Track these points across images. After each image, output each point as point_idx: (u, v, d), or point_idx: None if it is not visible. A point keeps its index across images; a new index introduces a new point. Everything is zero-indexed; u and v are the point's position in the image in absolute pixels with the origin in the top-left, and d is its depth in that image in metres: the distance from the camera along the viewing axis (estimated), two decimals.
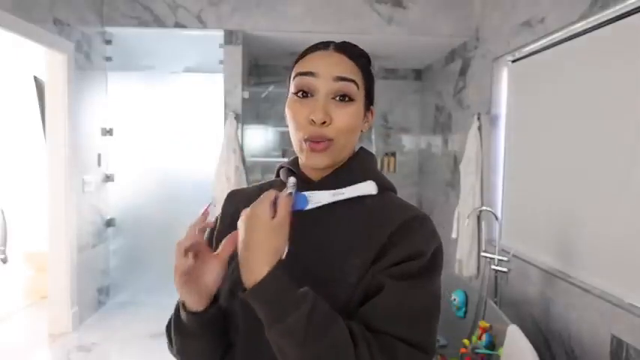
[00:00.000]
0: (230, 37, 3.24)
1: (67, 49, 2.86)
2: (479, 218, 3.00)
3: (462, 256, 3.04)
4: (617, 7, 1.82)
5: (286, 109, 0.73)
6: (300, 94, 0.71)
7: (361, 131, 0.77)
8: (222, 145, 3.19)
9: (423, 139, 4.49)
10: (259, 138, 4.11)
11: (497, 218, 2.48)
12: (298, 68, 0.73)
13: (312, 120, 0.69)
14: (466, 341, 1.91)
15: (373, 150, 3.93)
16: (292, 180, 0.68)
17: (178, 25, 3.19)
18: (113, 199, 3.53)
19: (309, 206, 0.68)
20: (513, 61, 2.70)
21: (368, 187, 0.71)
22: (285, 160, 0.83)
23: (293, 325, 0.57)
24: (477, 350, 1.84)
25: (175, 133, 3.56)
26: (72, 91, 2.94)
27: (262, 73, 4.34)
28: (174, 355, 0.75)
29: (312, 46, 0.75)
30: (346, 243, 0.70)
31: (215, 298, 0.69)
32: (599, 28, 1.96)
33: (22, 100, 3.64)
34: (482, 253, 2.46)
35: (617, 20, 1.86)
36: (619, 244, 1.80)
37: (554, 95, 2.28)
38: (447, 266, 3.20)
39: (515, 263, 2.39)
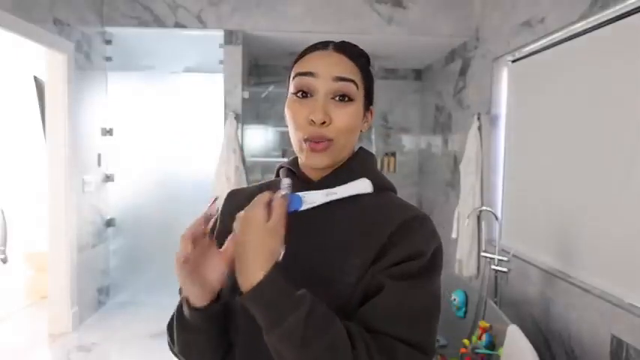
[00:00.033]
0: (230, 37, 3.24)
1: (67, 49, 2.86)
2: (479, 218, 3.00)
3: (462, 256, 3.04)
4: (617, 7, 1.82)
5: (286, 110, 0.73)
6: (299, 94, 0.71)
7: (361, 131, 0.77)
8: (222, 145, 3.19)
9: (423, 139, 4.49)
10: (259, 138, 4.11)
11: (497, 218, 2.48)
12: (297, 68, 0.73)
13: (312, 120, 0.69)
14: (466, 341, 1.91)
15: (373, 150, 3.93)
16: (287, 181, 0.67)
17: (178, 25, 3.19)
18: (113, 199, 3.53)
19: (304, 207, 0.67)
20: (513, 61, 2.70)
21: (363, 185, 0.70)
22: (285, 160, 0.83)
23: (290, 329, 0.57)
24: (477, 350, 1.84)
25: (175, 133, 3.56)
26: (72, 91, 2.94)
27: (262, 73, 4.34)
28: (176, 354, 0.74)
29: (312, 46, 0.75)
30: (346, 243, 0.70)
31: (218, 296, 0.69)
32: (599, 28, 1.96)
33: (22, 100, 3.64)
34: (483, 253, 2.46)
35: (617, 20, 1.86)
36: (619, 244, 1.80)
37: (554, 95, 2.28)
38: (447, 266, 3.19)
39: (515, 263, 2.39)
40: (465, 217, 2.95)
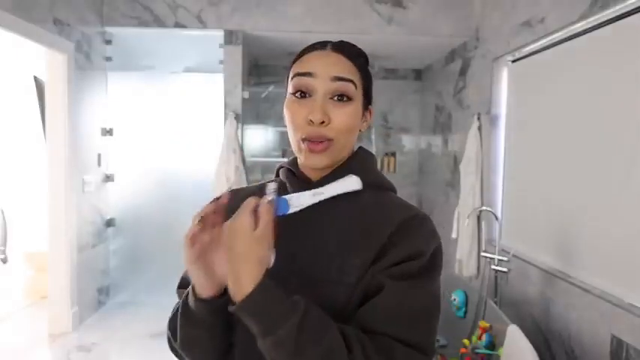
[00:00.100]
0: (230, 37, 3.24)
1: (67, 49, 2.86)
2: (479, 218, 3.00)
3: (462, 256, 3.04)
4: (617, 7, 1.82)
5: (284, 110, 0.73)
6: (298, 94, 0.71)
7: (360, 130, 0.77)
8: (222, 145, 3.19)
9: (423, 139, 4.49)
10: (259, 138, 4.11)
11: (497, 218, 2.48)
12: (296, 69, 0.73)
13: (311, 120, 0.69)
14: (466, 341, 1.91)
15: (373, 150, 3.93)
16: (272, 186, 0.66)
17: (178, 25, 3.19)
18: (113, 199, 3.53)
19: (292, 210, 0.66)
20: (513, 61, 2.70)
21: (351, 183, 0.69)
22: (285, 160, 0.83)
23: (283, 337, 0.57)
24: (477, 350, 1.84)
25: (175, 133, 3.56)
26: (72, 91, 2.94)
27: (262, 73, 4.34)
28: (177, 348, 0.73)
29: (310, 46, 0.75)
30: (345, 243, 0.70)
31: (225, 292, 0.68)
32: (599, 28, 1.96)
33: (22, 100, 3.64)
34: (483, 253, 2.46)
35: (617, 20, 1.86)
36: (619, 244, 1.80)
37: (554, 95, 2.28)
38: (447, 266, 3.19)
39: (515, 263, 2.39)
40: (465, 217, 2.95)
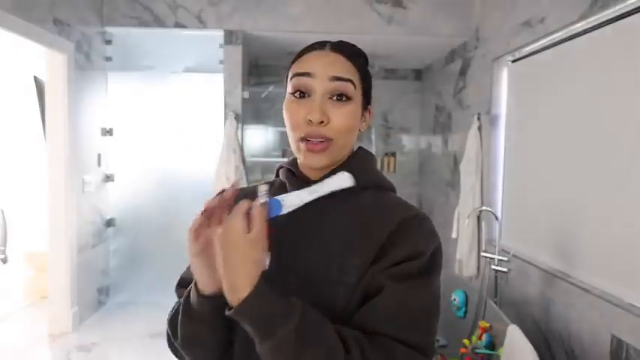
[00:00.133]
0: (230, 37, 3.24)
1: (67, 49, 2.86)
2: (479, 218, 3.00)
3: (462, 256, 3.04)
4: (617, 7, 1.82)
5: (284, 110, 0.73)
6: (297, 94, 0.71)
7: (359, 130, 0.76)
8: (222, 145, 3.19)
9: (423, 139, 4.49)
10: (259, 138, 4.11)
11: (497, 218, 2.48)
12: (295, 69, 0.73)
13: (310, 120, 0.69)
14: (466, 341, 1.91)
15: (373, 150, 3.93)
16: (264, 188, 0.66)
17: (178, 25, 3.19)
18: (113, 199, 3.53)
19: (285, 210, 0.65)
20: (513, 61, 2.70)
21: (343, 180, 0.68)
22: (285, 160, 0.83)
23: (281, 341, 0.57)
24: (477, 350, 1.84)
25: (175, 133, 3.56)
26: (72, 91, 2.94)
27: (262, 73, 4.34)
28: (178, 346, 0.73)
29: (309, 46, 0.75)
30: (345, 243, 0.70)
31: None
32: (599, 28, 1.96)
33: (22, 100, 3.64)
34: (483, 253, 2.46)
35: (617, 20, 1.86)
36: (619, 244, 1.80)
37: (554, 95, 2.28)
38: (447, 266, 3.20)
39: (515, 263, 2.39)
40: (465, 217, 2.95)
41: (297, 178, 0.76)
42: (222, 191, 0.68)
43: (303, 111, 0.70)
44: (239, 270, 0.59)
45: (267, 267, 0.62)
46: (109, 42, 3.37)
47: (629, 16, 1.79)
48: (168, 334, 0.76)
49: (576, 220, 2.08)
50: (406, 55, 3.93)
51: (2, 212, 3.14)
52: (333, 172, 0.74)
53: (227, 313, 0.60)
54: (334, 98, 0.71)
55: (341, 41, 0.76)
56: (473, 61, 3.20)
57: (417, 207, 0.74)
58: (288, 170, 0.78)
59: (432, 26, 3.25)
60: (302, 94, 0.71)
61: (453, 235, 3.14)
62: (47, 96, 2.92)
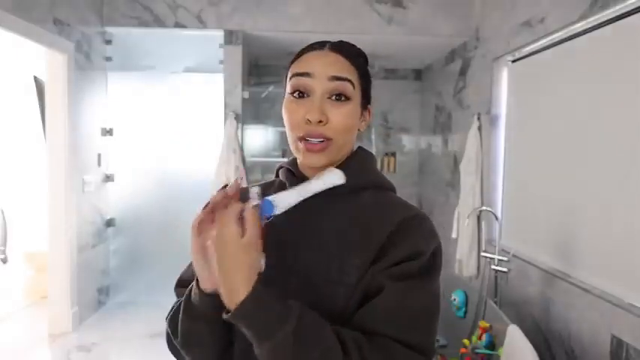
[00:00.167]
0: (230, 37, 3.24)
1: (67, 49, 2.86)
2: (479, 218, 3.00)
3: (462, 256, 3.04)
4: (617, 7, 1.82)
5: (283, 110, 0.73)
6: (296, 94, 0.71)
7: (359, 130, 0.76)
8: (222, 145, 3.19)
9: (423, 139, 4.49)
10: (259, 138, 4.11)
11: (497, 218, 2.48)
12: (294, 69, 0.73)
13: (309, 120, 0.69)
14: (466, 341, 1.91)
15: (373, 150, 3.93)
16: (255, 190, 0.66)
17: (178, 25, 3.19)
18: (113, 199, 3.53)
19: (278, 211, 0.65)
20: (513, 61, 2.70)
21: (335, 177, 0.68)
22: (285, 160, 0.83)
23: (279, 344, 0.57)
24: (477, 350, 1.84)
25: (175, 133, 3.56)
26: (72, 91, 2.94)
27: (262, 73, 4.34)
28: (178, 345, 0.73)
29: (308, 46, 0.75)
30: (345, 243, 0.70)
31: None
32: (599, 28, 1.96)
33: (22, 100, 3.64)
34: (482, 253, 2.45)
35: (617, 20, 1.86)
36: (619, 244, 1.80)
37: (554, 95, 2.28)
38: (447, 266, 3.19)
39: (515, 263, 2.39)
40: (465, 217, 2.95)
41: (296, 178, 0.76)
42: (226, 186, 0.68)
43: (302, 111, 0.70)
44: (235, 274, 0.59)
45: (263, 269, 0.62)
46: (109, 42, 3.37)
47: (629, 16, 1.79)
48: (167, 334, 0.75)
49: (576, 220, 2.08)
50: (406, 55, 3.93)
51: (2, 212, 3.14)
52: None
53: (224, 316, 0.60)
54: (333, 98, 0.71)
55: (340, 41, 0.76)
56: (473, 61, 3.20)
57: (417, 207, 0.74)
58: (288, 170, 0.78)
59: (432, 26, 3.25)
60: (301, 94, 0.71)
61: (453, 235, 3.14)
62: (47, 96, 2.92)
